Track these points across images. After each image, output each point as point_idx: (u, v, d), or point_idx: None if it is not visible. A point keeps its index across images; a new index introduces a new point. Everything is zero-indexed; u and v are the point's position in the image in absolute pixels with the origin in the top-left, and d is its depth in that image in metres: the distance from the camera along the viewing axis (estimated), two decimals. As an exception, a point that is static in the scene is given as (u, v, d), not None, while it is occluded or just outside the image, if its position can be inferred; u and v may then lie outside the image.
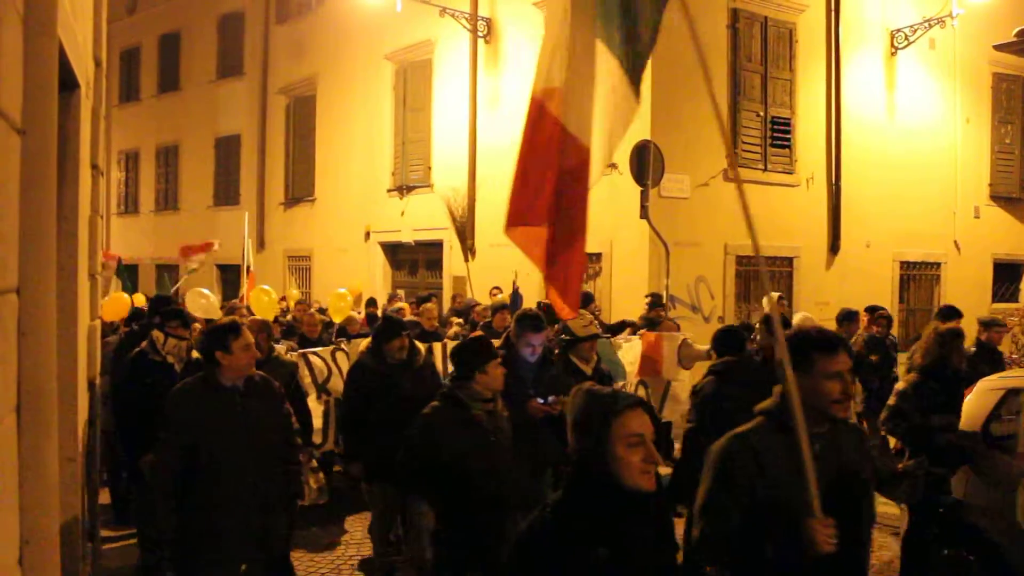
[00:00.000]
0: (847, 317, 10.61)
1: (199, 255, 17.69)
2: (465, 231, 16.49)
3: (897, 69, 16.23)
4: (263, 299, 12.82)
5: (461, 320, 12.26)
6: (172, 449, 4.93)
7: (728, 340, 6.73)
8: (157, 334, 6.77)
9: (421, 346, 7.59)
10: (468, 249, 16.54)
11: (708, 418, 6.05)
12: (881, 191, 15.70)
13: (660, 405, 9.30)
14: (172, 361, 6.68)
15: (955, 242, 16.98)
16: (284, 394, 5.47)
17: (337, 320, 11.98)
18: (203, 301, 11.35)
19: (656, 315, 10.71)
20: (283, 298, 16.40)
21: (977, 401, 6.07)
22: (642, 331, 10.02)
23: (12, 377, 2.20)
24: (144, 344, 6.83)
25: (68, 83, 3.94)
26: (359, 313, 13.09)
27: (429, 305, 10.93)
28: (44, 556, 2.35)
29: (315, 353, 8.47)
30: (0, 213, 2.04)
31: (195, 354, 6.33)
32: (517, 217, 4.23)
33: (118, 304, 11.10)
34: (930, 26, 15.75)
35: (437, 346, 8.59)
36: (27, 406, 2.33)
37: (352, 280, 16.73)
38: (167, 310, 7.15)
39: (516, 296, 13.20)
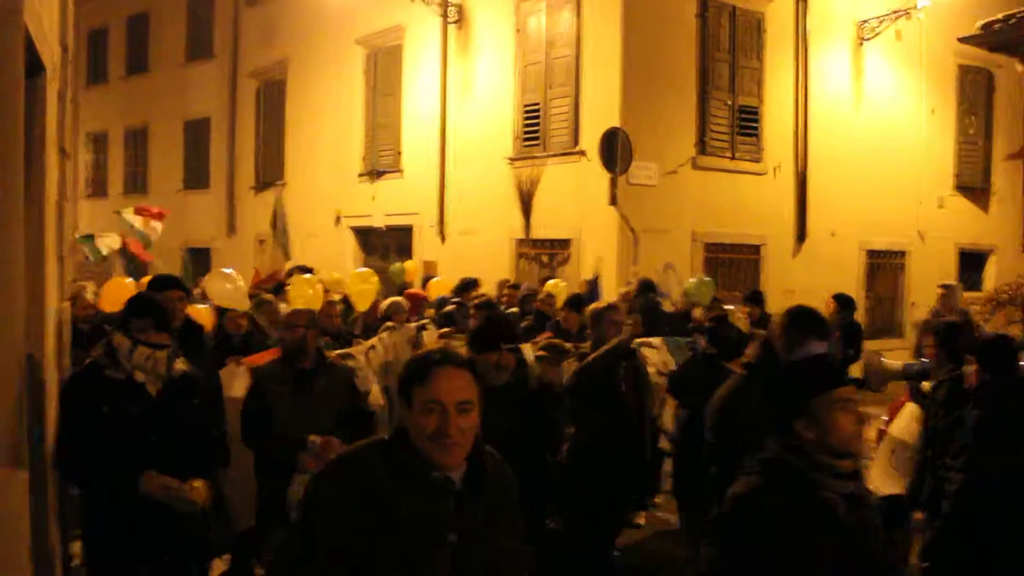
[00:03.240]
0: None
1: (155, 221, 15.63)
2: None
3: (864, 60, 16.40)
4: (307, 291, 9.48)
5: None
6: None
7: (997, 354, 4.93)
8: (120, 339, 4.21)
9: None
10: (439, 233, 16.66)
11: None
12: (847, 180, 15.87)
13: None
14: (141, 379, 4.18)
15: (919, 232, 17.23)
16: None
17: (362, 307, 9.95)
18: (228, 286, 8.91)
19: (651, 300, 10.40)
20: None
21: None
22: None
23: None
24: (96, 352, 4.30)
25: (34, 67, 3.97)
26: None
27: (474, 293, 9.73)
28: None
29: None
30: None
31: (180, 365, 4.40)
32: None
33: (119, 290, 8.68)
34: (896, 18, 15.93)
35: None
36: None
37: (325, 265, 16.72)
38: (135, 302, 4.46)
39: (595, 287, 12.11)
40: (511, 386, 4.87)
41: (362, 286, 10.16)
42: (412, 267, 14.84)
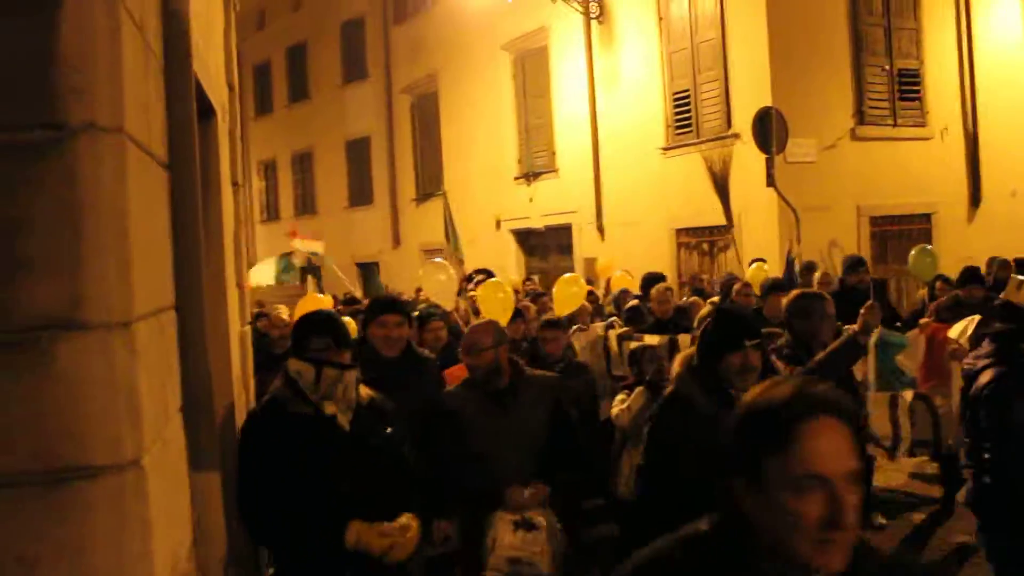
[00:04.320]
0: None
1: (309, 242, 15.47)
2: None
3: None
4: (496, 295, 8.68)
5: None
6: None
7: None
8: (298, 366, 3.61)
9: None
10: (598, 229, 16.74)
11: None
12: (1024, 133, 14.94)
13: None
14: (332, 412, 3.56)
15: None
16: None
17: (562, 311, 8.92)
18: (443, 277, 8.41)
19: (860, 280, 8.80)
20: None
21: None
22: (925, 320, 7.50)
23: (176, 383, 2.51)
24: (276, 384, 3.74)
25: (205, 112, 4.30)
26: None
27: (662, 286, 8.54)
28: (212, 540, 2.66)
29: None
30: (158, 237, 2.35)
31: (366, 392, 3.82)
32: None
33: (314, 306, 7.83)
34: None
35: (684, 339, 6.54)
36: (191, 407, 2.65)
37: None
38: (309, 321, 3.98)
39: (791, 269, 10.56)
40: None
41: (570, 290, 9.37)
42: (603, 265, 14.49)
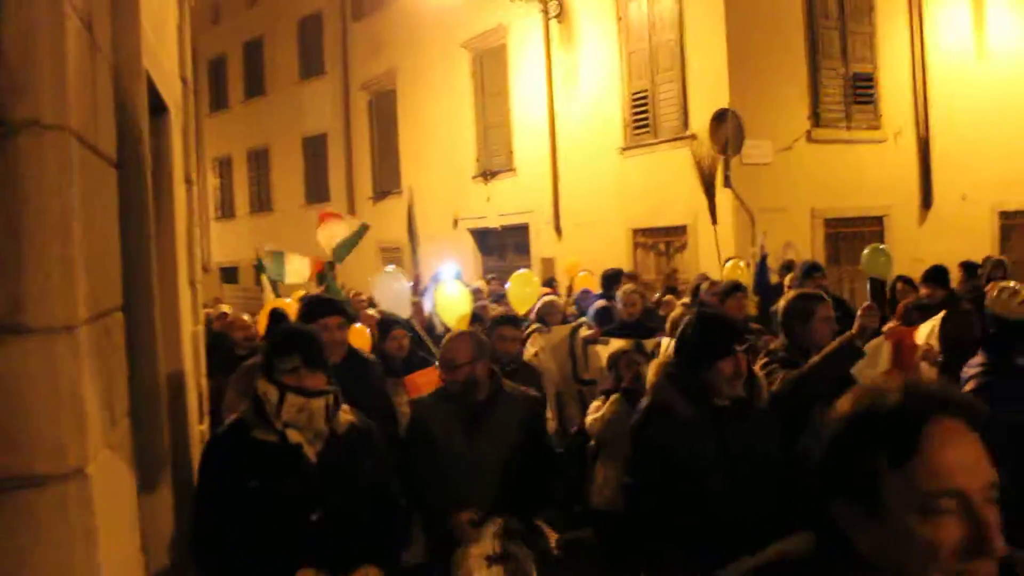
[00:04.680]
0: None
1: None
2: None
3: (985, 9, 15.64)
4: (525, 290, 8.60)
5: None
6: None
7: None
8: (265, 387, 3.28)
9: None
10: (555, 229, 16.76)
11: None
12: (976, 140, 15.11)
13: None
14: (296, 440, 3.23)
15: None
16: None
17: (522, 309, 8.83)
18: (396, 286, 8.01)
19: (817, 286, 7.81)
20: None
21: None
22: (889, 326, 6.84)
23: (124, 387, 2.45)
24: (239, 412, 3.47)
25: (158, 108, 4.23)
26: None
27: (630, 287, 8.33)
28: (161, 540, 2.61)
29: None
30: (108, 238, 2.29)
31: (345, 416, 3.44)
32: None
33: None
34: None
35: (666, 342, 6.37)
36: (139, 411, 2.60)
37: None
38: (277, 337, 3.65)
39: (763, 265, 9.69)
40: (742, 403, 3.73)
41: (524, 290, 9.13)
42: (570, 264, 13.88)
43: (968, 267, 10.08)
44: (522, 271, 10.30)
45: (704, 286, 8.82)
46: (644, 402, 3.83)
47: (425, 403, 4.52)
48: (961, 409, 1.35)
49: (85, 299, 1.87)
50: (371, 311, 8.28)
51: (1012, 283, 4.85)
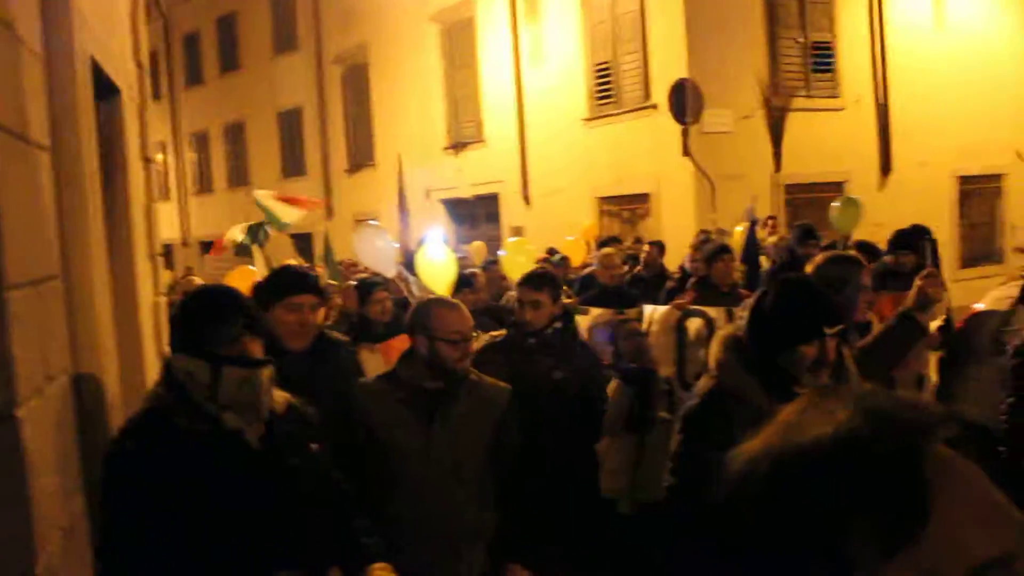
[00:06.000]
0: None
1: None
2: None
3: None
4: (519, 259, 8.10)
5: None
6: None
7: None
8: (189, 364, 2.56)
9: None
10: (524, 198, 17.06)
11: None
12: (935, 107, 15.47)
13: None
14: (235, 425, 2.57)
15: (1018, 152, 16.62)
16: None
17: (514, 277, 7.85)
18: (380, 243, 7.34)
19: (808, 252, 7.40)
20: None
21: None
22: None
23: (63, 345, 2.75)
24: (146, 400, 2.70)
25: (109, 90, 4.48)
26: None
27: (608, 249, 8.15)
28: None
29: None
30: (38, 215, 2.58)
31: (281, 396, 2.80)
32: None
33: (245, 282, 7.16)
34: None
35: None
36: (86, 373, 2.91)
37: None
38: (207, 301, 2.75)
39: (752, 233, 8.90)
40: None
41: (519, 258, 8.41)
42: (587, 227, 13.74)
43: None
44: (513, 239, 10.19)
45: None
46: (704, 383, 3.08)
47: (366, 386, 3.65)
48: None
49: (11, 268, 2.15)
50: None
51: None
